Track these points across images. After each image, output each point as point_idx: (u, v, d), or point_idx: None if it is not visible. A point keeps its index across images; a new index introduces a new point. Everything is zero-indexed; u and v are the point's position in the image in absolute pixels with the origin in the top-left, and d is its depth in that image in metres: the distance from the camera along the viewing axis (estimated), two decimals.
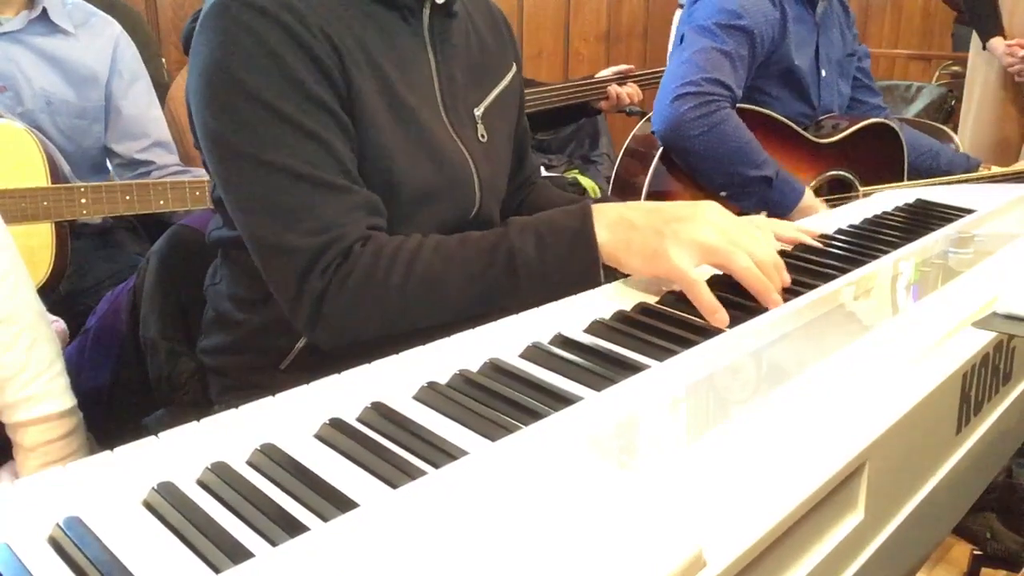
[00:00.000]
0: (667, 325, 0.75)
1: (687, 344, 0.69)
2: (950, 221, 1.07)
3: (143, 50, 1.92)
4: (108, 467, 0.52)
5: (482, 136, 1.01)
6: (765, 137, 1.66)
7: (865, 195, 1.76)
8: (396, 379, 0.64)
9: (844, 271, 0.86)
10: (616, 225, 0.82)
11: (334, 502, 0.50)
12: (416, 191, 0.92)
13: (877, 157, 1.82)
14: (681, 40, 1.71)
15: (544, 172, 3.11)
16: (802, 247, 0.97)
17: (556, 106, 2.29)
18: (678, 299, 0.80)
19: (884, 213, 1.14)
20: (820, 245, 0.97)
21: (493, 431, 0.58)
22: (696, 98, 1.59)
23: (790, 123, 1.74)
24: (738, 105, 1.66)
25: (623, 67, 2.39)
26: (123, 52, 1.83)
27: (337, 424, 0.59)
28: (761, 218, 1.01)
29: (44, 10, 1.72)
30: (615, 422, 0.56)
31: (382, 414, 0.60)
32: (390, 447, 0.57)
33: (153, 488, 0.51)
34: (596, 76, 2.38)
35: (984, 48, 2.79)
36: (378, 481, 0.53)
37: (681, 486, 0.48)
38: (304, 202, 0.84)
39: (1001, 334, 0.71)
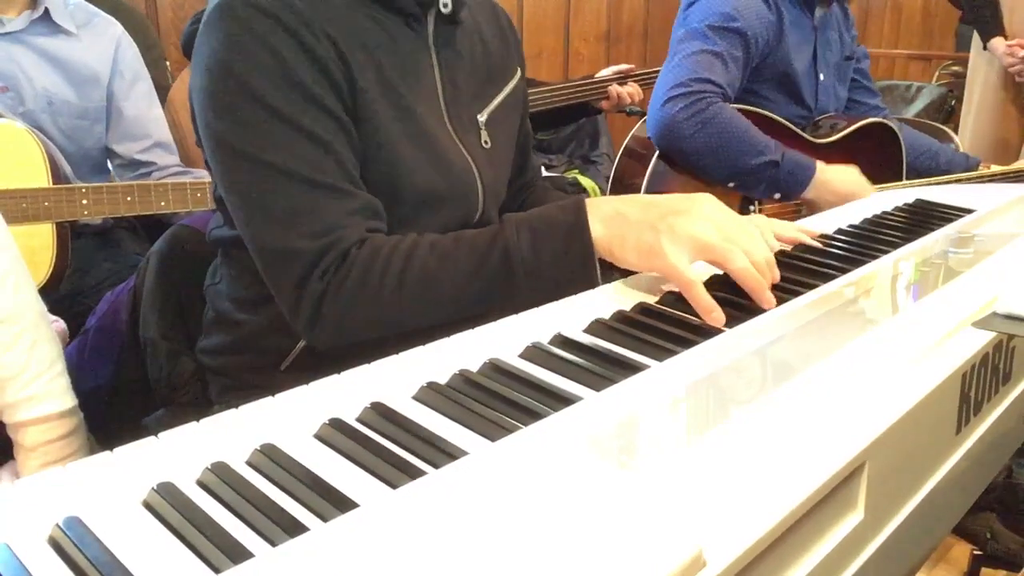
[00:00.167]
0: (667, 325, 0.75)
1: (687, 344, 0.69)
2: (950, 221, 1.07)
3: (147, 52, 1.92)
4: (108, 467, 0.52)
5: (485, 142, 1.01)
6: None
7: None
8: (396, 379, 0.64)
9: (844, 271, 0.86)
10: (611, 219, 0.82)
11: (334, 502, 0.50)
12: (421, 195, 0.93)
13: (876, 157, 1.81)
14: (675, 45, 1.70)
15: (544, 172, 3.11)
16: (802, 247, 0.97)
17: (557, 106, 2.28)
18: (677, 299, 0.80)
19: (884, 213, 1.14)
20: (820, 245, 0.97)
21: (493, 431, 0.58)
22: (685, 98, 1.58)
23: (788, 124, 1.74)
24: (733, 106, 1.66)
25: (624, 67, 2.38)
26: (125, 53, 1.83)
27: (337, 424, 0.59)
28: (761, 217, 1.01)
29: (46, 10, 1.72)
30: (615, 422, 0.56)
31: (382, 414, 0.60)
32: (390, 447, 0.57)
33: (153, 488, 0.51)
34: (597, 76, 2.37)
35: (985, 48, 2.79)
36: (378, 481, 0.53)
37: (681, 486, 0.48)
38: (305, 205, 0.84)
39: (1001, 334, 0.71)
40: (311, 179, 0.84)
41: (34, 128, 1.64)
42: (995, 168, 1.87)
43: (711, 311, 0.75)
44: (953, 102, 3.89)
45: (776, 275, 0.81)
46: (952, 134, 2.28)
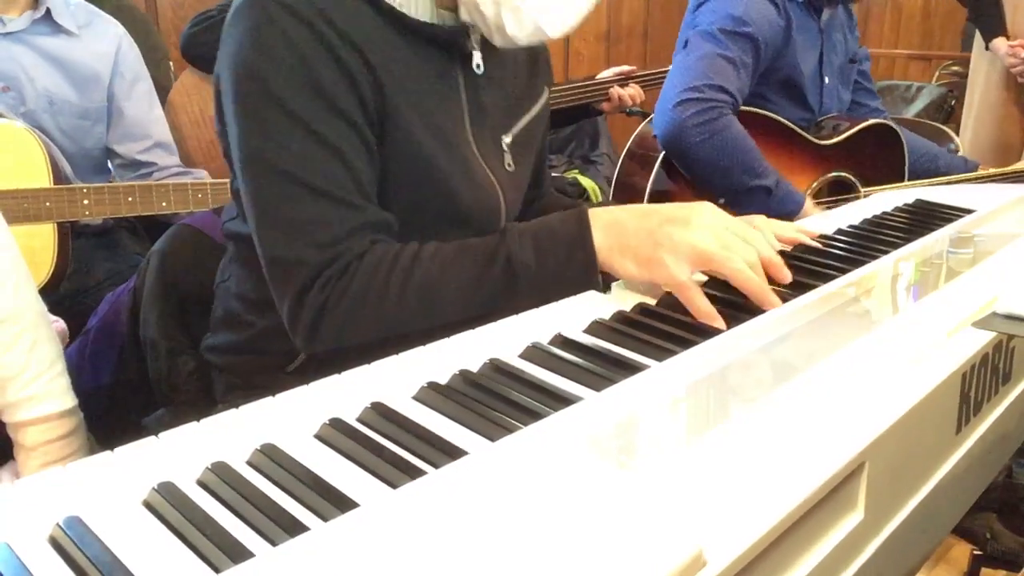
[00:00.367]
0: (667, 325, 0.75)
1: (687, 344, 0.69)
2: (950, 221, 1.07)
3: (151, 54, 1.92)
4: (108, 467, 0.52)
5: (509, 165, 1.01)
6: (765, 139, 1.66)
7: (866, 196, 1.76)
8: (396, 379, 0.64)
9: (844, 271, 0.86)
10: (610, 229, 0.82)
11: (334, 502, 0.50)
12: (450, 209, 0.92)
13: (878, 158, 1.81)
14: (685, 44, 1.70)
15: None
16: (802, 247, 0.97)
17: (557, 107, 2.28)
18: (677, 300, 0.80)
19: (884, 213, 1.14)
20: (820, 245, 0.97)
21: (493, 431, 0.58)
22: (698, 104, 1.58)
23: (791, 125, 1.74)
24: (740, 108, 1.66)
25: (625, 68, 2.38)
26: (126, 53, 1.83)
27: (337, 424, 0.59)
28: (761, 218, 1.01)
29: (48, 10, 1.72)
30: (615, 422, 0.56)
31: (382, 414, 0.60)
32: (390, 447, 0.57)
33: (153, 488, 0.51)
34: (597, 77, 2.37)
35: (987, 48, 2.79)
36: (378, 481, 0.53)
37: (681, 486, 0.48)
38: (314, 216, 0.83)
39: (1001, 334, 0.71)
40: (324, 190, 0.83)
41: (35, 128, 1.64)
42: (993, 171, 1.87)
43: (712, 318, 0.75)
44: (953, 102, 3.89)
45: (786, 274, 0.81)
46: (952, 134, 2.27)
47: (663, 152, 1.68)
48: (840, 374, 0.62)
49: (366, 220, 0.86)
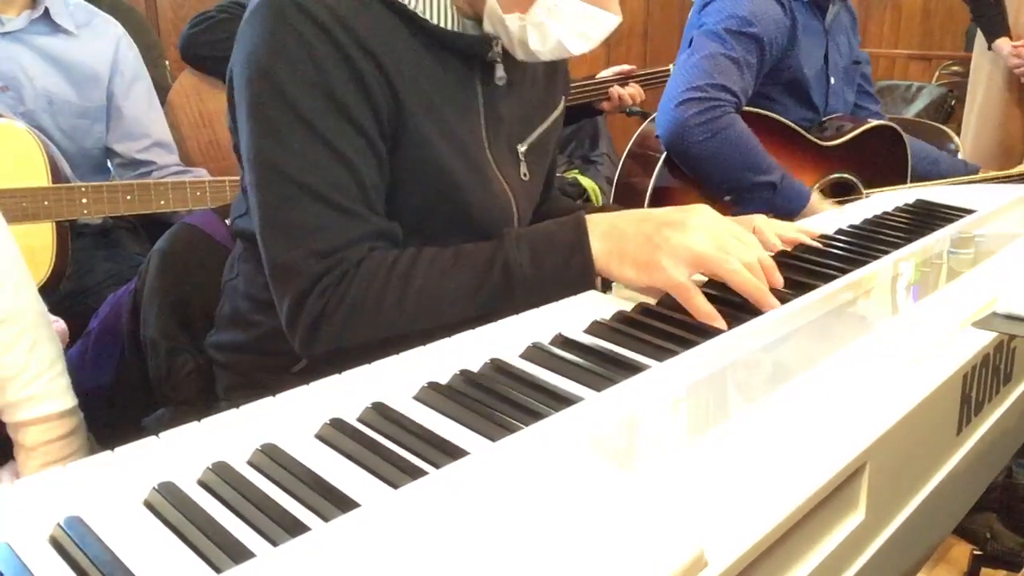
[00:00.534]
0: (667, 325, 0.75)
1: (687, 344, 0.69)
2: (950, 221, 1.07)
3: (147, 53, 1.92)
4: (109, 467, 0.52)
5: (524, 175, 1.01)
6: (769, 139, 1.66)
7: (868, 198, 1.76)
8: (396, 379, 0.64)
9: (844, 271, 0.86)
10: (608, 235, 0.82)
11: (335, 502, 0.50)
12: (458, 215, 0.92)
13: (881, 160, 1.81)
14: (689, 44, 1.70)
15: None
16: (802, 247, 0.97)
17: None
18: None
19: (884, 213, 1.14)
20: (820, 245, 0.97)
21: (494, 431, 0.58)
22: (701, 103, 1.58)
23: (794, 126, 1.74)
24: (744, 108, 1.65)
25: (625, 67, 2.38)
26: (124, 52, 1.83)
27: (338, 424, 0.59)
28: (761, 218, 1.01)
29: (46, 10, 1.72)
30: (616, 422, 0.56)
31: (382, 414, 0.60)
32: (391, 447, 0.57)
33: (154, 488, 0.51)
34: (597, 76, 2.37)
35: (989, 48, 2.79)
36: (379, 481, 0.53)
37: (682, 486, 0.48)
38: (317, 223, 0.83)
39: (1001, 334, 0.71)
40: (329, 198, 0.83)
41: (34, 128, 1.64)
42: (992, 174, 1.88)
43: (712, 319, 0.75)
44: (953, 102, 3.89)
45: (779, 279, 0.81)
46: (953, 135, 2.27)
47: (665, 152, 1.68)
48: (841, 374, 0.62)
49: (368, 230, 0.86)
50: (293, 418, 0.59)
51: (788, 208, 1.62)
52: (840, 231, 1.05)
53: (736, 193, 1.63)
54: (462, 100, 0.93)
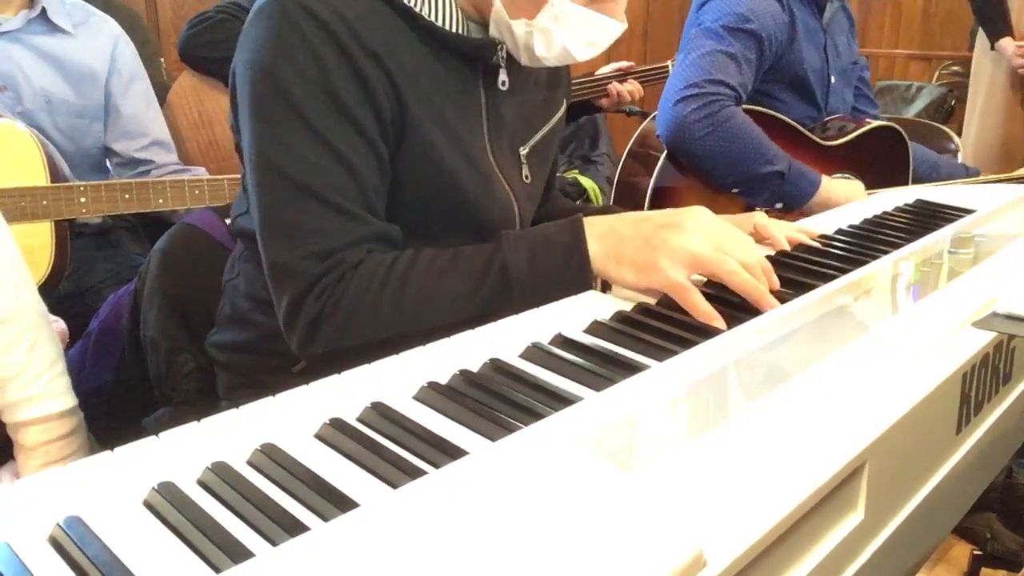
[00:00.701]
0: (667, 325, 0.75)
1: (687, 344, 0.69)
2: (950, 221, 1.07)
3: (142, 50, 1.92)
4: (108, 467, 0.52)
5: (526, 177, 1.01)
6: (771, 138, 1.65)
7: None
8: (396, 379, 0.64)
9: (844, 271, 0.86)
10: (605, 237, 0.82)
11: (334, 502, 0.50)
12: (460, 215, 0.93)
13: (883, 161, 1.81)
14: (688, 43, 1.70)
15: None
16: (802, 247, 0.97)
17: None
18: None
19: (884, 213, 1.14)
20: (819, 245, 0.97)
21: (493, 431, 0.58)
22: (699, 100, 1.58)
23: (796, 125, 1.74)
24: (744, 106, 1.65)
25: (623, 64, 2.38)
26: (122, 51, 1.83)
27: (337, 424, 0.59)
28: (762, 216, 1.01)
29: (43, 9, 1.72)
30: (615, 422, 0.56)
31: (382, 414, 0.60)
32: (390, 447, 0.57)
33: (153, 488, 0.51)
34: (596, 73, 2.37)
35: (992, 48, 2.79)
36: (378, 481, 0.53)
37: (681, 486, 0.48)
38: (317, 225, 0.83)
39: (1001, 334, 0.71)
40: (329, 200, 0.83)
41: (33, 127, 1.64)
42: (992, 177, 1.87)
43: (712, 319, 0.75)
44: (953, 102, 3.89)
45: (776, 281, 0.81)
46: (953, 135, 2.27)
47: (667, 150, 1.68)
48: (840, 374, 0.62)
49: (368, 232, 0.86)
50: (293, 418, 0.59)
51: (799, 195, 1.61)
52: (840, 231, 1.05)
53: (744, 185, 1.62)
54: (465, 102, 0.93)
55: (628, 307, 0.79)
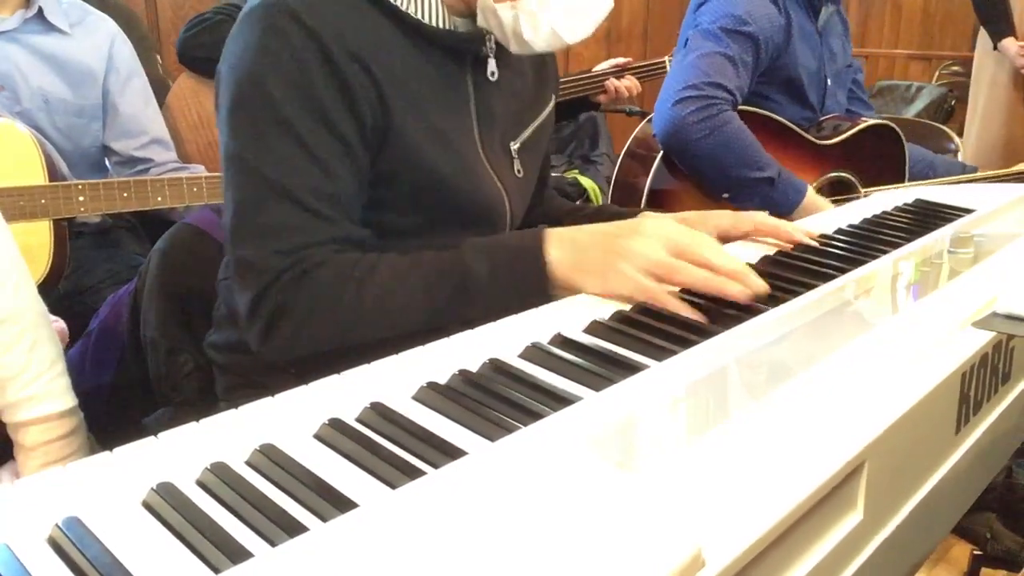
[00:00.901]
0: (666, 325, 0.75)
1: (686, 344, 0.69)
2: (950, 221, 1.07)
3: (137, 46, 1.92)
4: (108, 467, 0.52)
5: (519, 171, 1.01)
6: (766, 138, 1.66)
7: (866, 196, 1.76)
8: (396, 379, 0.64)
9: (844, 271, 0.86)
10: (566, 246, 0.83)
11: (333, 502, 0.50)
12: (447, 212, 0.93)
13: (878, 158, 1.82)
14: (685, 44, 1.70)
15: None
16: (802, 247, 0.97)
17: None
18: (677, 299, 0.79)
19: (884, 213, 1.14)
20: (817, 244, 0.97)
21: (493, 431, 0.58)
22: (697, 102, 1.58)
23: (791, 125, 1.74)
24: (740, 107, 1.66)
25: (620, 60, 2.37)
26: (119, 50, 1.83)
27: (336, 424, 0.59)
28: (762, 215, 1.01)
29: (40, 9, 1.72)
30: (615, 422, 0.56)
31: (381, 414, 0.60)
32: (389, 447, 0.57)
33: (153, 488, 0.51)
34: (593, 70, 2.37)
35: (995, 48, 2.79)
36: (377, 481, 0.53)
37: (681, 486, 0.48)
38: (285, 222, 0.84)
39: (1001, 334, 0.71)
40: (300, 200, 0.84)
41: (31, 127, 1.64)
42: (991, 172, 1.88)
43: (682, 310, 0.76)
44: (953, 102, 3.89)
45: (754, 282, 0.80)
46: (953, 135, 2.27)
47: (662, 152, 1.68)
48: (840, 374, 0.62)
49: (335, 233, 0.86)
50: (292, 418, 0.59)
51: (786, 204, 1.62)
52: (840, 231, 1.05)
53: (734, 190, 1.63)
54: (453, 99, 0.93)
55: (628, 307, 0.79)
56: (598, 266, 0.80)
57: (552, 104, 1.10)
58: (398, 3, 0.88)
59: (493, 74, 0.95)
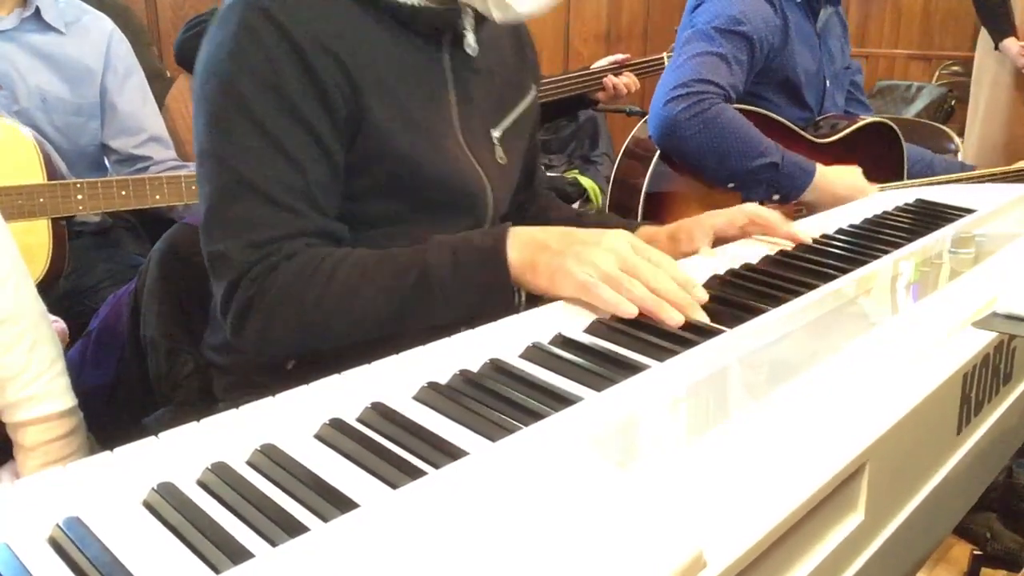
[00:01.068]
0: (667, 325, 0.75)
1: (687, 344, 0.69)
2: (950, 221, 1.07)
3: (134, 41, 1.92)
4: (108, 467, 0.52)
5: (501, 158, 1.02)
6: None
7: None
8: (396, 379, 0.64)
9: (844, 271, 0.86)
10: (526, 247, 0.83)
11: (334, 502, 0.50)
12: (426, 199, 0.93)
13: (877, 157, 1.81)
14: (681, 45, 1.71)
15: (544, 172, 3.11)
16: (802, 247, 0.97)
17: (552, 99, 2.27)
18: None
19: (884, 213, 1.14)
20: (809, 241, 0.98)
21: (493, 431, 0.58)
22: (687, 99, 1.59)
23: (788, 123, 1.74)
24: (736, 106, 1.66)
25: (619, 56, 2.37)
26: (117, 48, 1.83)
27: (337, 424, 0.59)
28: (754, 208, 1.01)
29: (37, 9, 1.72)
30: (615, 422, 0.56)
31: (382, 414, 0.60)
32: (390, 447, 0.57)
33: (153, 488, 0.51)
34: (592, 67, 2.37)
35: (996, 48, 2.79)
36: (378, 481, 0.53)
37: (681, 486, 0.48)
38: (257, 216, 0.85)
39: (1001, 334, 0.71)
40: (271, 194, 0.85)
41: (30, 127, 1.63)
42: (988, 171, 1.87)
43: (618, 305, 0.76)
44: (953, 102, 3.89)
45: (702, 295, 0.80)
46: (953, 135, 2.27)
47: (658, 152, 1.68)
48: (841, 374, 0.62)
49: (307, 227, 0.87)
50: (292, 418, 0.59)
51: (794, 187, 1.61)
52: (840, 231, 1.05)
53: (739, 179, 1.62)
54: (431, 86, 0.94)
55: None
56: (550, 268, 0.81)
57: (534, 92, 1.10)
58: None
59: (471, 48, 0.95)
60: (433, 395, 0.63)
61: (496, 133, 1.02)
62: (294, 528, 0.48)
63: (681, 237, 1.01)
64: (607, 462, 0.52)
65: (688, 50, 1.64)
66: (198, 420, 0.57)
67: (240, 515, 0.50)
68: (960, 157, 2.15)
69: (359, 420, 0.60)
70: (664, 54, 2.37)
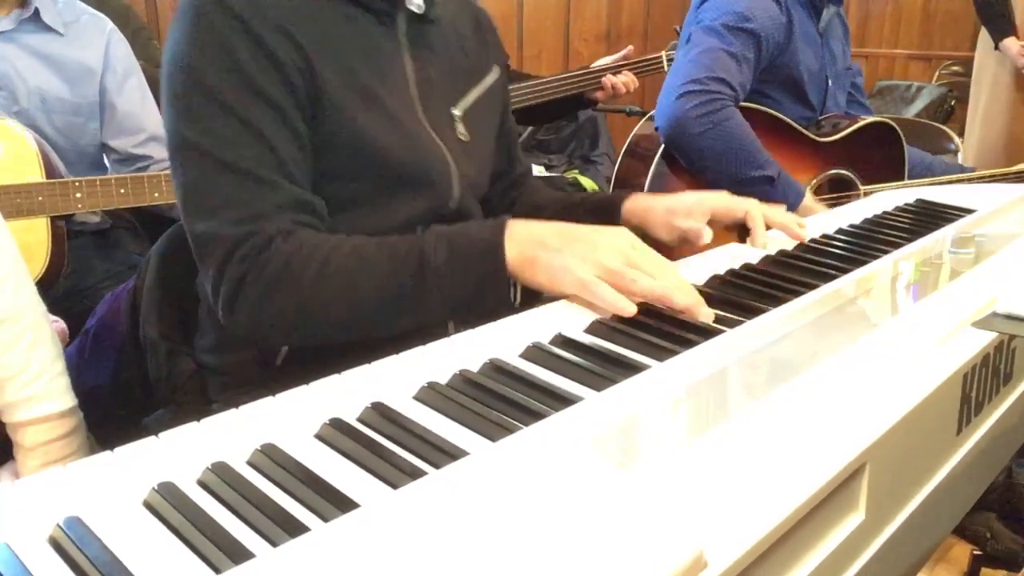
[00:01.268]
0: (667, 325, 0.75)
1: (687, 344, 0.69)
2: (950, 221, 1.07)
3: (134, 37, 1.92)
4: (108, 467, 0.52)
5: (462, 135, 1.03)
6: (766, 135, 1.66)
7: (866, 194, 1.77)
8: (396, 379, 0.64)
9: (844, 271, 0.86)
10: (525, 242, 0.83)
11: (334, 502, 0.50)
12: (390, 176, 0.94)
13: (878, 156, 1.82)
14: (688, 40, 1.71)
15: (544, 172, 3.11)
16: (802, 247, 0.97)
17: (551, 99, 2.27)
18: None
19: (884, 213, 1.14)
20: (805, 238, 0.98)
21: (493, 431, 0.58)
22: (700, 96, 1.59)
23: (791, 122, 1.75)
24: (741, 104, 1.66)
25: (618, 54, 2.36)
26: (116, 48, 1.83)
27: (337, 424, 0.59)
28: (755, 203, 1.01)
29: (36, 10, 1.72)
30: (616, 422, 0.56)
31: (382, 414, 0.60)
32: (390, 447, 0.57)
33: (153, 488, 0.51)
34: (591, 67, 2.36)
35: (996, 48, 2.79)
36: (378, 481, 0.53)
37: (682, 486, 0.48)
38: (234, 193, 0.86)
39: (1001, 334, 0.71)
40: (246, 171, 0.86)
41: (30, 127, 1.63)
42: (987, 172, 1.88)
43: (617, 303, 0.76)
44: (953, 102, 3.89)
45: (706, 313, 0.78)
46: (953, 135, 2.27)
47: (662, 149, 1.69)
48: (841, 374, 0.62)
49: (286, 199, 0.88)
50: (292, 418, 0.59)
51: (786, 204, 1.63)
52: (840, 231, 1.05)
53: (734, 186, 1.63)
54: (386, 63, 0.95)
55: None
56: (550, 265, 0.81)
57: (497, 73, 1.11)
58: None
59: (417, 6, 0.97)
60: (433, 395, 0.63)
61: (457, 111, 1.03)
62: (294, 528, 0.48)
63: (678, 211, 1.01)
64: (607, 462, 0.52)
65: (699, 45, 1.65)
66: (198, 420, 0.57)
67: (240, 515, 0.50)
68: (960, 157, 2.15)
69: (359, 420, 0.60)
70: (663, 53, 2.37)
